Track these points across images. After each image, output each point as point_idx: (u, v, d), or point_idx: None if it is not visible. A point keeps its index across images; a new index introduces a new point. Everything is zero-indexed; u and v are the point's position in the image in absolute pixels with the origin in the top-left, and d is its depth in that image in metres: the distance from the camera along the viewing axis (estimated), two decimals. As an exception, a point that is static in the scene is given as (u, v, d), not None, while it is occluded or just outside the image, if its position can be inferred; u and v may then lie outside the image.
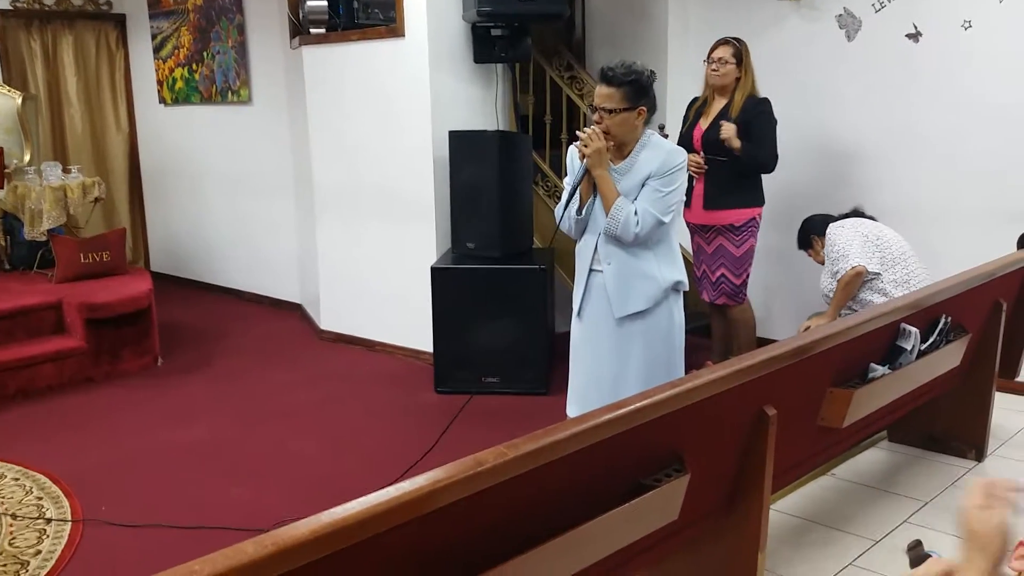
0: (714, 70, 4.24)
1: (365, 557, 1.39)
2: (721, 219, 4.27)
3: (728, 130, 4.14)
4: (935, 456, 3.36)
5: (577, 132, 2.94)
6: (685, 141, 4.33)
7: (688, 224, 4.45)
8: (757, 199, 4.30)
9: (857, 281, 3.86)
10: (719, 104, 4.28)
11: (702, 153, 4.27)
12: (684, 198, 3.01)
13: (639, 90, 2.85)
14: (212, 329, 6.07)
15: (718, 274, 4.36)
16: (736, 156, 4.16)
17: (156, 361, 5.25)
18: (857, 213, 4.20)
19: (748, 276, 4.37)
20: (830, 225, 4.08)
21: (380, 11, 5.26)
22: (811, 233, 4.26)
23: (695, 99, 4.46)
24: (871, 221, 4.10)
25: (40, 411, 4.54)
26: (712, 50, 4.27)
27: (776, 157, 4.22)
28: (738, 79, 4.21)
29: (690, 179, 4.35)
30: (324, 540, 1.30)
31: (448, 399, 4.55)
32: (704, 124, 4.30)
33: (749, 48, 4.25)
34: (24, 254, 5.79)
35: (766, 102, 4.22)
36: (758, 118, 4.17)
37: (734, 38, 4.25)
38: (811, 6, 4.85)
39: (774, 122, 4.23)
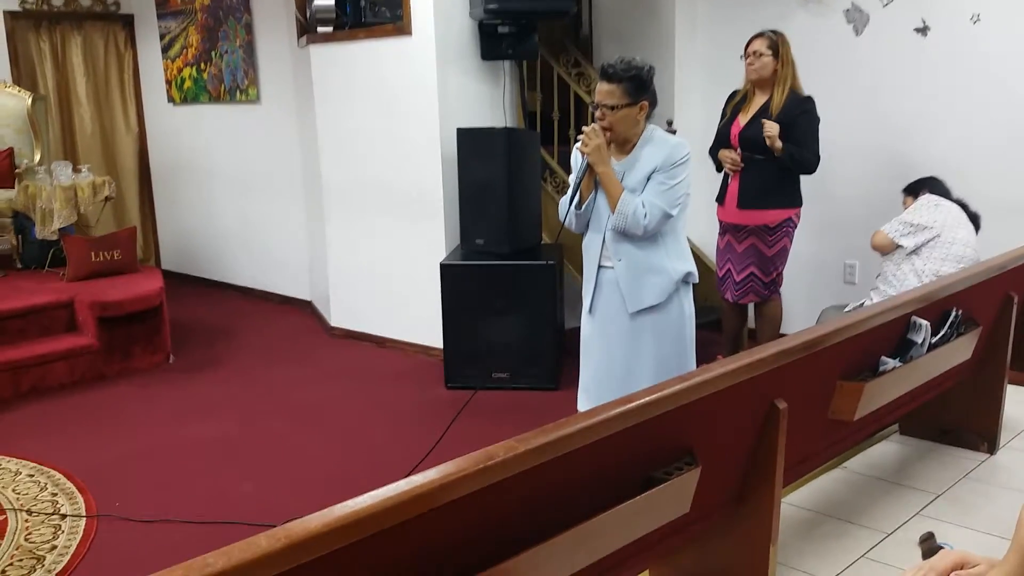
0: (750, 64, 4.16)
1: (377, 550, 1.39)
2: (755, 219, 4.20)
3: (772, 128, 4.04)
4: (947, 449, 3.35)
5: (583, 129, 2.96)
6: (722, 136, 4.28)
7: (720, 222, 4.37)
8: (794, 200, 4.22)
9: (882, 240, 4.03)
10: (760, 99, 4.20)
11: (739, 150, 4.19)
12: (690, 191, 3.00)
13: (640, 85, 2.86)
14: (223, 326, 6.10)
15: (746, 273, 4.29)
16: (776, 155, 4.09)
17: (167, 358, 5.27)
18: (962, 204, 4.09)
19: (780, 273, 4.31)
20: (929, 195, 4.08)
21: (387, 9, 5.27)
22: (911, 190, 4.25)
23: (734, 93, 4.37)
24: (959, 216, 4.00)
25: (53, 408, 4.57)
26: (748, 44, 4.19)
27: (818, 158, 4.14)
28: (776, 72, 4.13)
29: (725, 176, 4.31)
30: (336, 534, 1.30)
31: (458, 395, 4.56)
32: (743, 120, 4.21)
33: (788, 40, 4.15)
34: (36, 253, 5.83)
35: (810, 100, 4.14)
36: (801, 117, 4.09)
37: (770, 31, 4.17)
38: (819, 1, 4.83)
39: (817, 121, 4.14)
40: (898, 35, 4.59)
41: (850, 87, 4.77)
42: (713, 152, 4.35)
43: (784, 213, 4.19)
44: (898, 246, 3.97)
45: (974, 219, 4.06)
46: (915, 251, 3.94)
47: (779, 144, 4.06)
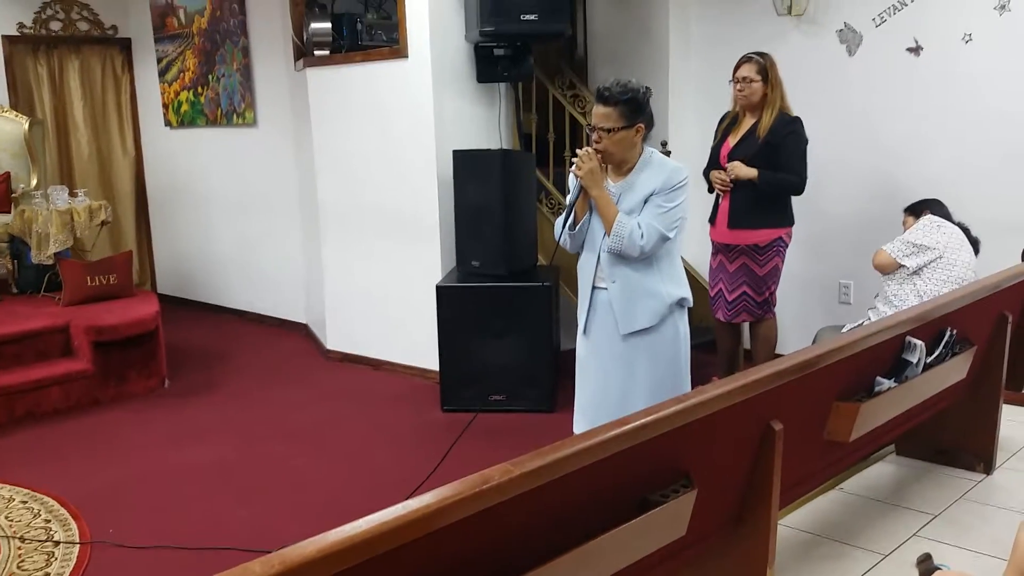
0: (740, 90, 4.16)
1: (372, 576, 1.39)
2: (745, 239, 4.20)
3: (734, 169, 4.11)
4: (943, 469, 3.35)
5: (577, 151, 2.97)
6: (714, 157, 4.31)
7: (713, 242, 4.39)
8: (784, 219, 4.22)
9: (884, 259, 4.03)
10: (749, 121, 4.21)
11: (728, 170, 4.21)
12: (687, 216, 3.01)
13: (636, 108, 2.87)
14: (219, 350, 6.08)
15: (738, 292, 4.29)
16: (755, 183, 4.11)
17: (163, 383, 5.26)
18: (963, 227, 4.10)
19: (772, 293, 4.30)
20: (931, 216, 4.07)
21: (383, 32, 5.31)
22: (913, 211, 4.24)
23: (725, 114, 4.39)
24: (960, 239, 4.01)
25: (48, 434, 4.54)
26: (736, 69, 4.19)
27: (804, 179, 4.13)
28: (766, 95, 4.13)
29: (717, 197, 4.34)
30: (331, 559, 1.30)
31: (455, 417, 4.55)
32: (733, 141, 4.23)
33: (775, 60, 4.16)
34: (31, 278, 5.82)
35: (797, 122, 4.13)
36: (789, 138, 4.09)
37: (757, 53, 4.16)
38: (812, 21, 4.87)
39: (804, 142, 4.14)
40: (891, 55, 4.63)
41: (843, 107, 4.80)
42: (707, 173, 4.37)
43: (774, 233, 4.20)
44: (900, 266, 3.98)
45: (974, 243, 4.07)
46: (917, 272, 3.94)
47: (746, 175, 4.10)
